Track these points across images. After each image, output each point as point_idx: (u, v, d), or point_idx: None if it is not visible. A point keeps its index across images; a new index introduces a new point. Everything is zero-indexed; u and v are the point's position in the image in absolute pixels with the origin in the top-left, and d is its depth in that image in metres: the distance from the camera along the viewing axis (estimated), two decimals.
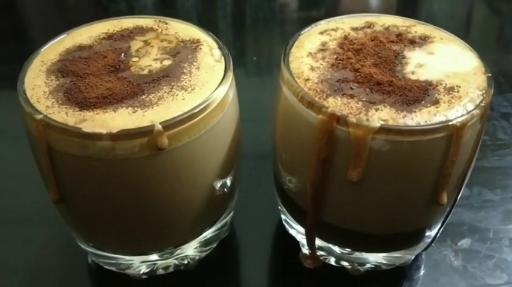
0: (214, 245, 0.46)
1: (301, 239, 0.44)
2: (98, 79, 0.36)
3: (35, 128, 0.34)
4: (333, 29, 0.41)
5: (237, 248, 0.49)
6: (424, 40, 0.40)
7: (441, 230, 0.43)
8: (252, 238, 0.49)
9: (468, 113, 0.34)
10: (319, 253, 0.44)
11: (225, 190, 0.41)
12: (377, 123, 0.32)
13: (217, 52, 0.39)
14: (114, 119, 0.33)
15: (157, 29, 0.41)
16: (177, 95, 0.35)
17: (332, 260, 0.44)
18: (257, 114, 0.52)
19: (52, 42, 0.40)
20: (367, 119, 0.33)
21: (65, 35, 0.41)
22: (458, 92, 0.35)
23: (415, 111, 0.33)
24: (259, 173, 0.54)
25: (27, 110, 0.34)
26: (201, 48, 0.39)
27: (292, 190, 0.41)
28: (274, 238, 0.50)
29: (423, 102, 0.34)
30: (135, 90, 0.35)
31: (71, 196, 0.37)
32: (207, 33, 0.41)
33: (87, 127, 0.32)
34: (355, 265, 0.43)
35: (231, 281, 0.46)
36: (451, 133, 0.33)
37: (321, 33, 0.41)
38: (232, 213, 0.47)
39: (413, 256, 0.45)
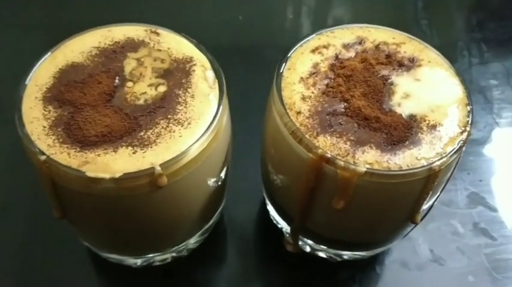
0: (210, 231, 0.49)
1: (281, 225, 0.48)
2: (96, 112, 0.37)
3: (38, 165, 0.35)
4: (324, 46, 0.42)
5: (225, 232, 0.53)
6: (412, 62, 0.41)
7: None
8: (239, 221, 0.53)
9: (447, 155, 0.36)
10: (299, 242, 0.48)
11: (220, 183, 0.43)
12: (363, 168, 0.35)
13: (210, 75, 0.40)
14: (115, 162, 0.34)
15: (149, 43, 0.41)
16: (174, 132, 0.36)
17: (307, 249, 0.48)
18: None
19: (43, 59, 0.40)
20: (354, 163, 0.35)
21: (52, 52, 0.40)
22: (439, 131, 0.37)
23: (398, 154, 0.36)
24: (246, 156, 0.56)
25: (30, 148, 0.35)
26: (194, 70, 0.40)
27: (280, 199, 0.44)
28: (260, 221, 0.54)
29: (406, 142, 0.37)
30: (132, 125, 0.36)
31: (74, 218, 0.39)
32: (198, 47, 0.41)
33: (90, 171, 0.34)
34: (332, 256, 0.48)
35: (221, 265, 0.51)
36: (430, 174, 0.36)
37: (313, 51, 0.41)
38: (225, 200, 0.50)
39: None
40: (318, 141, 0.36)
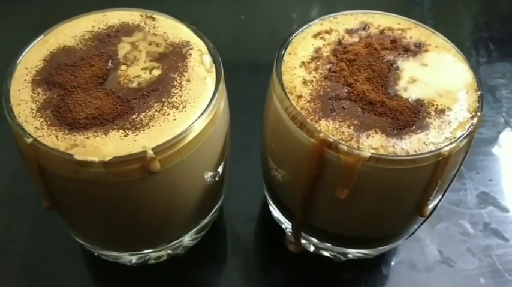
0: (207, 230, 0.47)
1: (286, 228, 0.46)
2: (86, 94, 0.35)
3: (25, 148, 0.33)
4: (326, 31, 0.40)
5: (225, 231, 0.50)
6: (418, 48, 0.39)
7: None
8: (238, 219, 0.51)
9: (457, 140, 0.34)
10: (302, 241, 0.46)
11: (217, 178, 0.41)
12: (367, 153, 0.33)
13: (208, 59, 0.38)
14: (105, 145, 0.33)
15: (144, 28, 0.40)
16: (168, 115, 0.34)
17: (311, 248, 0.46)
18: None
19: (35, 42, 0.38)
20: (358, 147, 0.33)
21: (44, 36, 0.39)
22: (448, 116, 0.35)
23: (405, 139, 0.34)
24: (247, 153, 0.54)
25: (16, 130, 0.33)
26: (191, 55, 0.38)
27: (282, 193, 0.42)
28: (260, 219, 0.51)
29: (413, 127, 0.35)
30: (125, 108, 0.34)
31: (63, 208, 0.37)
32: (196, 32, 0.40)
33: (79, 154, 0.32)
34: (337, 255, 0.46)
35: (220, 265, 0.48)
36: (439, 160, 0.34)
37: (315, 36, 0.40)
38: (223, 197, 0.48)
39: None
40: (319, 125, 0.35)
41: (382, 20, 0.41)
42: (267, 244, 0.50)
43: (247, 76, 0.63)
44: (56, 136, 0.33)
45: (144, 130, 0.33)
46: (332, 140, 0.34)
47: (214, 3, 0.74)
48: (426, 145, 0.34)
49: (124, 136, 0.33)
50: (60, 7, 0.68)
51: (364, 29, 0.41)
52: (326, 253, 0.46)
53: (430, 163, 0.34)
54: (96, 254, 0.45)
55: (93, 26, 0.39)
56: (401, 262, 0.49)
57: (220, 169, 0.41)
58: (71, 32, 0.39)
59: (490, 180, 0.55)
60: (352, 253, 0.45)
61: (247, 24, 0.72)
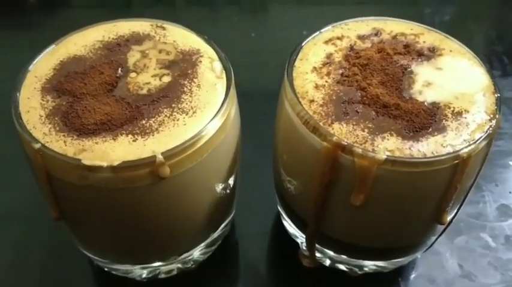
0: (218, 244, 0.46)
1: (300, 241, 0.45)
2: (96, 101, 0.35)
3: (33, 155, 0.33)
4: (338, 38, 0.40)
5: (237, 245, 0.49)
6: (432, 52, 0.39)
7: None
8: (251, 234, 0.50)
9: (475, 142, 0.33)
10: (317, 254, 0.44)
11: (228, 191, 0.41)
12: (383, 156, 0.32)
13: (218, 66, 0.38)
14: (114, 150, 0.32)
15: (154, 37, 0.40)
16: (177, 120, 0.34)
17: (327, 262, 0.45)
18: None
19: (45, 51, 0.38)
20: (373, 150, 0.32)
21: (55, 45, 0.39)
22: (466, 118, 0.34)
23: (421, 141, 0.33)
24: (258, 166, 0.53)
25: (24, 137, 0.33)
26: (201, 61, 0.38)
27: (294, 201, 0.41)
28: (273, 234, 0.50)
29: (430, 129, 0.33)
30: (134, 114, 0.34)
31: (72, 217, 0.37)
32: (206, 41, 0.40)
33: (87, 159, 0.31)
34: (353, 268, 0.44)
35: (232, 280, 0.47)
36: (457, 163, 0.33)
37: (326, 42, 0.39)
38: (234, 211, 0.47)
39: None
40: (332, 129, 0.34)
41: (394, 26, 0.41)
42: (280, 259, 0.48)
43: (259, 96, 0.62)
44: (65, 141, 0.32)
45: (153, 135, 0.33)
46: (346, 143, 0.33)
47: (225, 21, 0.75)
48: (444, 147, 0.33)
49: (133, 141, 0.32)
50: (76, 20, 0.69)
51: (376, 34, 0.40)
52: (342, 267, 0.44)
53: (448, 166, 0.33)
54: (106, 269, 0.44)
55: (103, 36, 0.39)
56: (420, 276, 0.47)
57: (231, 181, 0.41)
58: (82, 41, 0.39)
59: (510, 192, 0.54)
60: (369, 266, 0.43)
61: (257, 42, 0.72)
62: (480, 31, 0.74)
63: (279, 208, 0.47)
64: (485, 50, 0.71)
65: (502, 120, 0.61)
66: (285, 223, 0.47)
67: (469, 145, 0.33)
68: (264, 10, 0.81)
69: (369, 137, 0.33)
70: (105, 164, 0.31)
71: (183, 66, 0.37)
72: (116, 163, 0.31)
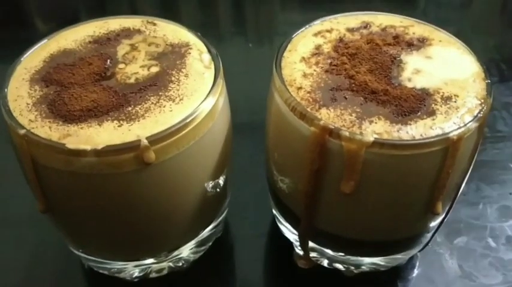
0: (209, 245, 0.45)
1: (294, 240, 0.44)
2: (83, 89, 0.35)
3: (18, 142, 0.33)
4: (327, 31, 0.40)
5: (231, 247, 0.48)
6: (422, 42, 0.39)
7: (437, 232, 0.43)
8: (245, 236, 0.49)
9: (465, 125, 0.32)
10: (312, 254, 0.43)
11: (218, 190, 0.40)
12: (371, 138, 0.31)
13: (206, 57, 0.38)
14: (99, 134, 0.32)
15: (144, 31, 0.40)
16: (164, 107, 0.34)
17: (325, 262, 0.44)
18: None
19: (36, 46, 0.39)
20: (361, 133, 0.32)
21: (48, 40, 0.39)
22: (455, 101, 0.34)
23: (410, 124, 0.32)
24: (252, 167, 0.52)
25: (10, 124, 0.33)
26: (189, 53, 0.38)
27: (286, 195, 0.40)
28: (268, 236, 0.49)
29: (419, 113, 0.33)
30: (121, 101, 0.34)
31: (58, 207, 0.36)
32: (196, 35, 0.40)
33: (71, 143, 0.31)
34: (350, 267, 0.43)
35: (224, 282, 0.46)
36: (447, 146, 0.32)
37: (315, 35, 0.39)
38: (226, 211, 0.46)
39: (409, 257, 0.45)
40: (320, 114, 0.33)
41: (384, 19, 0.41)
42: (275, 261, 0.47)
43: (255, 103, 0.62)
44: (50, 127, 0.32)
45: (139, 121, 0.33)
46: (333, 127, 0.32)
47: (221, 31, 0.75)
48: (433, 129, 0.32)
49: (118, 126, 0.32)
50: None
51: (365, 27, 0.40)
52: (338, 265, 0.43)
53: (438, 149, 0.32)
54: (96, 269, 0.43)
55: (94, 31, 0.40)
56: (419, 277, 0.45)
57: (221, 176, 0.40)
58: (72, 36, 0.39)
59: (510, 194, 0.53)
60: (365, 263, 0.42)
61: (255, 53, 0.72)
62: (477, 40, 0.74)
63: (273, 211, 0.46)
64: (483, 57, 0.71)
65: (502, 124, 0.61)
66: (280, 225, 0.46)
67: (459, 128, 0.32)
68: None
69: (357, 121, 0.33)
70: (89, 147, 0.31)
71: (171, 58, 0.37)
72: (100, 147, 0.31)
